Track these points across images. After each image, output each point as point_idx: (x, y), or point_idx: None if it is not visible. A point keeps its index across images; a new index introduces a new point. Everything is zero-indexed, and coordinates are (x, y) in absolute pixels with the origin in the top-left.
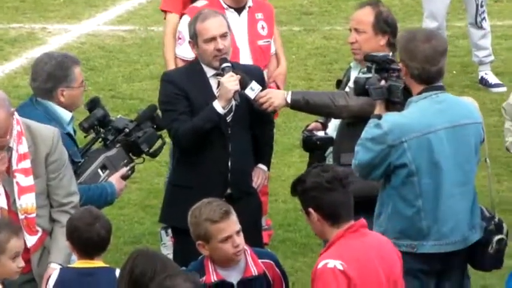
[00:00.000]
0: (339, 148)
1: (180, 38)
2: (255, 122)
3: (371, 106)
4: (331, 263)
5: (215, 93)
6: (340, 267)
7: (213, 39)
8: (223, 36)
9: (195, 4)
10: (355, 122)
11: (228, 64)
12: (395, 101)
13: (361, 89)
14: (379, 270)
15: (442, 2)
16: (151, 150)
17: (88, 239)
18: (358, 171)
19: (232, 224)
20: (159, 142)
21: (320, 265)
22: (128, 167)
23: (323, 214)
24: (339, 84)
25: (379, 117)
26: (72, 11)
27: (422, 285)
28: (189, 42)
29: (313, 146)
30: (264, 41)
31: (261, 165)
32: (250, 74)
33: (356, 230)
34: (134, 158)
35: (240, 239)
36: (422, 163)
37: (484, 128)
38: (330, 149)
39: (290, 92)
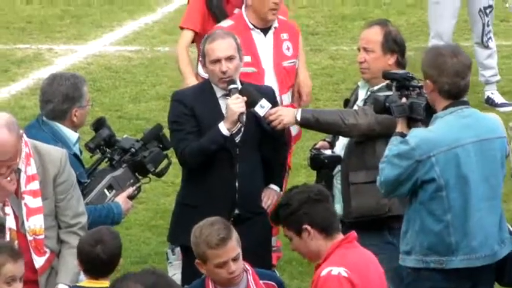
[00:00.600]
0: (347, 167)
1: None
2: (268, 142)
3: (379, 125)
4: (335, 270)
5: (224, 113)
6: (345, 274)
7: (218, 61)
8: (229, 59)
9: (221, 24)
10: (363, 140)
11: (235, 86)
12: (417, 118)
13: (381, 106)
14: (377, 280)
15: (448, 22)
16: (157, 170)
17: (91, 260)
18: (384, 188)
19: (230, 250)
20: (165, 162)
21: (324, 273)
22: (134, 187)
23: (318, 228)
24: (347, 103)
25: (402, 134)
26: (78, 31)
27: None
28: (200, 61)
29: (321, 165)
30: (289, 62)
31: (272, 186)
32: (261, 93)
33: (351, 241)
34: (140, 177)
35: (236, 265)
36: (450, 177)
37: (509, 143)
38: (338, 167)
39: (300, 110)
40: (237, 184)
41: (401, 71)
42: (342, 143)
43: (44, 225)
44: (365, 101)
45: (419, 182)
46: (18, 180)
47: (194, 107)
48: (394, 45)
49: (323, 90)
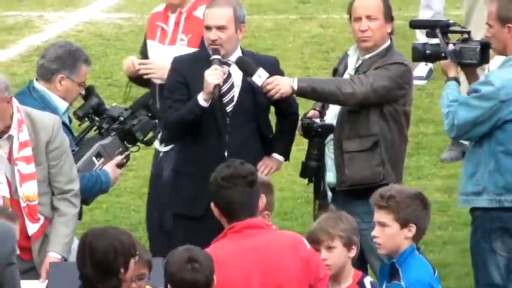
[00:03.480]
0: (341, 135)
1: None
2: (259, 114)
3: (375, 93)
4: None
5: None
6: None
7: (209, 28)
8: (220, 28)
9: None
10: (356, 109)
11: (217, 56)
12: (470, 62)
13: (420, 54)
14: (249, 274)
15: None
16: (146, 138)
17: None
18: (455, 131)
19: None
20: (153, 130)
21: None
22: (123, 155)
23: (220, 210)
24: (335, 72)
25: (456, 79)
26: None
27: None
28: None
29: (314, 133)
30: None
31: (274, 155)
32: (263, 63)
33: (238, 231)
34: (129, 146)
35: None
36: None
37: None
38: (330, 136)
39: (296, 79)
40: (226, 154)
41: (440, 19)
42: (333, 112)
43: (38, 191)
44: (356, 69)
45: (501, 123)
46: (10, 147)
47: (187, 75)
48: (391, 12)
49: (313, 58)
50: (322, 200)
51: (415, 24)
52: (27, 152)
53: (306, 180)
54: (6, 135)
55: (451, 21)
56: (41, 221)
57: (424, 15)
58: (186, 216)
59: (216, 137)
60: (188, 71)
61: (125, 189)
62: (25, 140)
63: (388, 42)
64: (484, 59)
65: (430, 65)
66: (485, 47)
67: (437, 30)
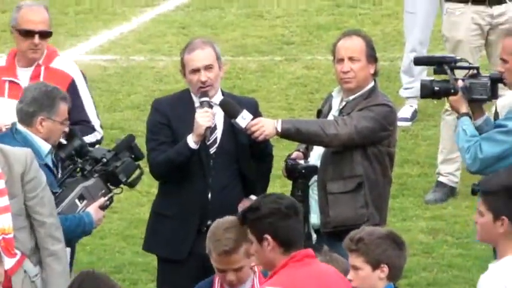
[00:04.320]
0: (324, 176)
1: None
2: (240, 156)
3: (358, 134)
4: None
5: None
6: None
7: (197, 70)
8: (208, 68)
9: None
10: (340, 150)
11: (206, 99)
12: (481, 98)
13: (429, 90)
14: None
15: (423, 32)
16: (129, 180)
17: None
18: (479, 164)
19: (231, 262)
20: (137, 172)
21: None
22: (106, 197)
23: (278, 241)
24: (319, 113)
25: (468, 114)
26: (53, 40)
27: None
28: (180, 71)
29: (298, 175)
30: None
31: (252, 197)
32: (243, 104)
33: (300, 260)
34: (112, 188)
35: (235, 276)
36: None
37: None
38: (314, 177)
39: (280, 121)
40: (209, 196)
41: (447, 54)
42: (317, 153)
43: (14, 225)
44: (340, 111)
45: None
46: None
47: (170, 116)
48: (374, 54)
49: (297, 99)
50: (306, 241)
51: (420, 61)
52: (1, 184)
53: None
54: None
55: (457, 57)
56: (18, 257)
57: (410, 56)
58: (168, 259)
59: (201, 179)
60: (170, 112)
61: (109, 231)
62: None
63: (372, 84)
64: (494, 94)
65: (415, 106)
66: (495, 82)
67: (446, 67)
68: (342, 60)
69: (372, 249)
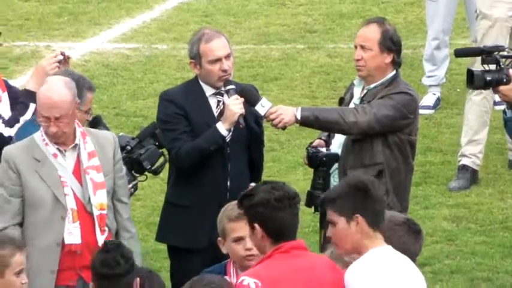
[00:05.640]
0: (345, 165)
1: None
2: (252, 142)
3: (378, 123)
4: (247, 280)
5: (214, 112)
6: (253, 286)
7: (219, 60)
8: (228, 57)
9: None
10: (360, 138)
11: (233, 86)
12: None
13: (482, 81)
14: None
15: (446, 20)
16: (153, 168)
17: None
18: None
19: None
20: (161, 159)
21: (238, 281)
22: (131, 185)
23: (266, 231)
24: (342, 101)
25: None
26: (76, 29)
27: None
28: (190, 62)
29: (319, 163)
30: None
31: (253, 184)
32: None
33: (286, 251)
34: (137, 175)
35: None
36: None
37: None
38: (335, 165)
39: (300, 108)
40: (228, 183)
41: (497, 45)
42: (338, 141)
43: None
44: (362, 99)
45: None
46: (78, 156)
47: (185, 107)
48: (391, 44)
49: (320, 88)
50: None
51: (461, 53)
52: (96, 161)
53: (312, 210)
54: (72, 145)
55: (500, 46)
56: (106, 233)
57: (431, 45)
58: (184, 248)
59: (222, 167)
60: (185, 102)
61: (133, 219)
62: (92, 151)
63: (393, 72)
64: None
65: (438, 94)
66: None
67: (498, 56)
68: (355, 47)
69: (388, 235)
